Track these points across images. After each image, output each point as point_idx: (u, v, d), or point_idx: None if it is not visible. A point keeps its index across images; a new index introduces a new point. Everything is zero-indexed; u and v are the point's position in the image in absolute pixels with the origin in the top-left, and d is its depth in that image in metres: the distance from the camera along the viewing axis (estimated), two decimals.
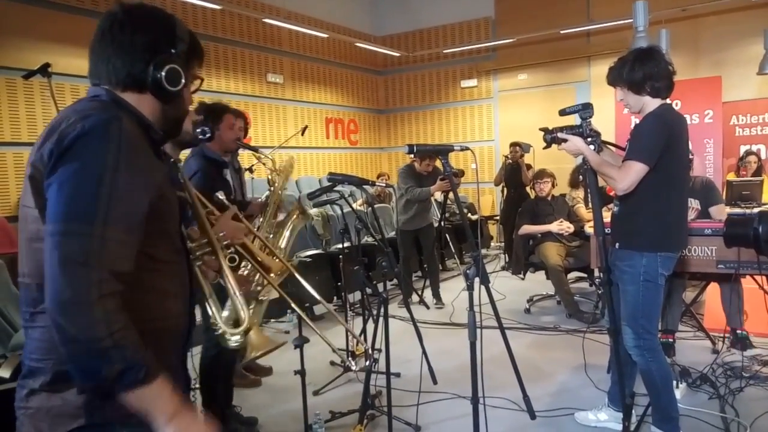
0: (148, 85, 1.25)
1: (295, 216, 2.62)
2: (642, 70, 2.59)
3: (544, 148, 2.80)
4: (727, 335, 4.05)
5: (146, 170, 1.18)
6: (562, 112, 2.74)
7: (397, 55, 11.17)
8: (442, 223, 6.80)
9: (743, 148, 7.60)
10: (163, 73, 1.24)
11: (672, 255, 2.70)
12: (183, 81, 1.28)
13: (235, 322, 1.36)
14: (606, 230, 2.86)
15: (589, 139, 2.69)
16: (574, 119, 2.77)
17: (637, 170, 2.55)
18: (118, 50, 1.24)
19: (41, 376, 1.16)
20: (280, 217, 2.77)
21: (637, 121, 2.77)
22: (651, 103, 2.65)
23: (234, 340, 1.45)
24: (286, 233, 2.55)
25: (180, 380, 1.35)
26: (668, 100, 2.72)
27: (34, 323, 1.17)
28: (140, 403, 1.08)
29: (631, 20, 6.56)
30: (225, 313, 2.47)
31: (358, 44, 10.57)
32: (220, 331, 2.44)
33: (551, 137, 2.74)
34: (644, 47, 2.71)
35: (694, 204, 4.15)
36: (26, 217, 1.17)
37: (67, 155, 1.09)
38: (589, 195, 2.94)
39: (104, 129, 1.12)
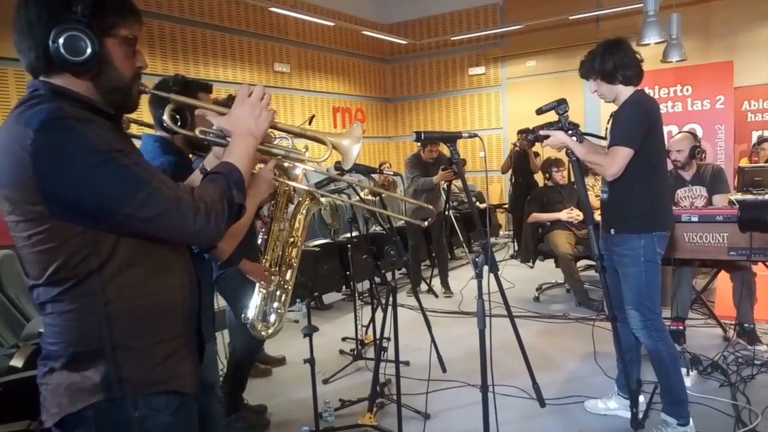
0: (56, 64, 1.14)
1: (305, 203, 2.62)
2: (612, 61, 2.70)
3: (528, 147, 2.95)
4: (733, 323, 4.03)
5: (121, 142, 1.18)
6: (539, 111, 2.85)
7: (404, 43, 11.09)
8: (446, 212, 6.78)
9: (755, 134, 7.51)
10: (61, 44, 1.11)
11: (665, 233, 2.79)
12: (90, 47, 1.13)
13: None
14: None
15: (570, 132, 2.79)
16: (548, 117, 2.86)
17: (623, 155, 2.63)
18: (22, 32, 1.16)
19: (59, 358, 1.19)
20: (291, 208, 2.77)
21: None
22: (624, 91, 2.76)
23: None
24: (300, 217, 2.56)
25: (193, 348, 1.37)
26: (640, 87, 2.81)
27: (44, 311, 1.21)
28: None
29: (641, 5, 6.47)
30: (251, 312, 2.52)
31: (364, 32, 10.50)
32: (249, 323, 2.49)
33: (533, 136, 2.86)
34: (612, 39, 2.80)
35: (702, 192, 4.12)
36: (12, 229, 1.18)
37: (56, 167, 1.08)
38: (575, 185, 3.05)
39: (60, 126, 1.09)
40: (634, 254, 2.71)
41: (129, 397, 1.20)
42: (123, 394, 1.19)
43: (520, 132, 7.63)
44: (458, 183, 9.25)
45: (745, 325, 3.95)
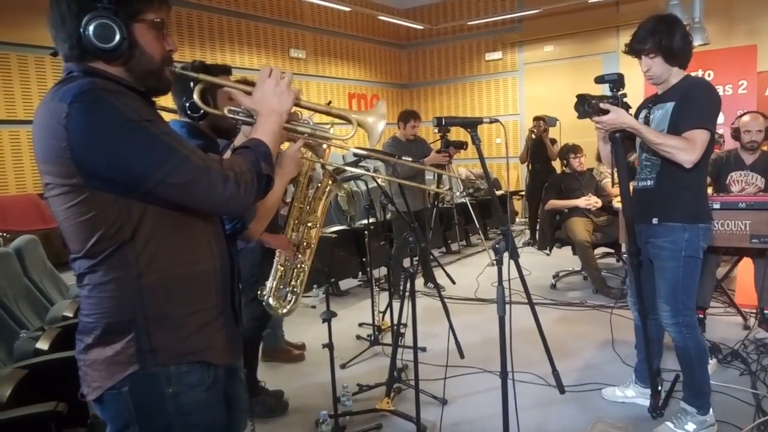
0: (89, 52, 1.19)
1: (327, 185, 2.63)
2: (682, 40, 2.48)
3: (579, 117, 2.53)
4: (754, 311, 3.98)
5: (151, 114, 1.23)
6: (599, 80, 2.54)
7: (421, 28, 11.00)
8: (440, 203, 6.60)
9: None
10: (91, 32, 1.16)
11: (710, 225, 2.62)
12: (119, 33, 1.18)
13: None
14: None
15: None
16: (601, 91, 2.62)
17: (705, 140, 2.41)
18: (57, 25, 1.21)
19: (93, 331, 1.24)
20: (311, 192, 2.78)
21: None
22: (676, 74, 2.57)
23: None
24: (322, 199, 2.57)
25: (229, 319, 1.40)
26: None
27: (81, 283, 1.26)
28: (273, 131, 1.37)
29: None
30: (268, 288, 2.54)
31: (380, 17, 10.43)
32: (266, 298, 2.52)
33: (591, 108, 2.47)
34: (669, 14, 2.58)
35: (758, 181, 3.97)
36: (53, 204, 1.22)
37: (88, 137, 1.12)
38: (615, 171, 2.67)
39: (92, 98, 1.13)
40: (676, 248, 2.54)
41: (163, 370, 1.24)
42: (156, 364, 1.23)
43: (537, 119, 7.56)
44: (474, 170, 9.21)
45: (766, 311, 3.91)
